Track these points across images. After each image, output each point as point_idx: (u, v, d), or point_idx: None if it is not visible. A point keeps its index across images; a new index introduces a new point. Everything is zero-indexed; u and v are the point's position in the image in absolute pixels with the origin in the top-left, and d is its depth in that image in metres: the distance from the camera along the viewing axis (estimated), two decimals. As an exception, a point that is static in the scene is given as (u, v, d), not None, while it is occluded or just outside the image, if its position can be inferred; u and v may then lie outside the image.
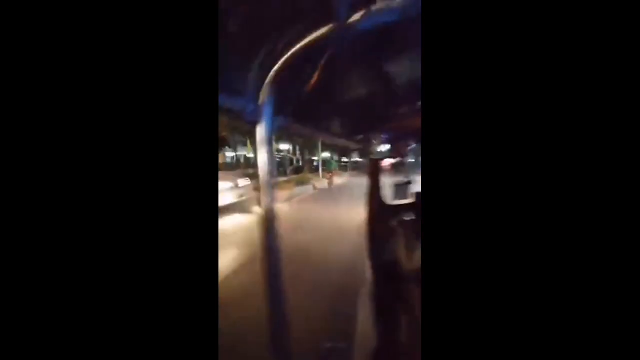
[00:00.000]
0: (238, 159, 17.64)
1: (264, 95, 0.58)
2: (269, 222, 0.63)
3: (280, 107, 0.61)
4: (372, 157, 1.19)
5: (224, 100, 0.56)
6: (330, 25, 0.47)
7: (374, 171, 1.15)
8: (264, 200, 0.64)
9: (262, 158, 0.63)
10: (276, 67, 0.55)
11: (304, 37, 0.50)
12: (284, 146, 19.44)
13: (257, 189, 0.66)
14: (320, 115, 0.96)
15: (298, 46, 0.52)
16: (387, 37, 0.52)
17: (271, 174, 0.64)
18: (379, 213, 1.12)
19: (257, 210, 0.71)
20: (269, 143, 0.62)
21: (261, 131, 0.60)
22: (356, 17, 0.45)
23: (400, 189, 1.55)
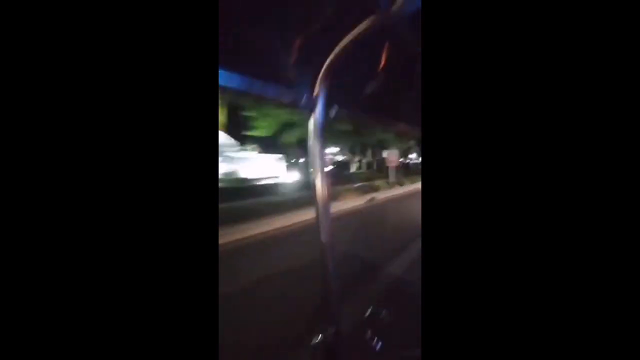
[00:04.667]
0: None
1: (318, 87, 0.60)
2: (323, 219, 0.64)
3: (333, 98, 0.63)
4: None
5: (275, 92, 0.58)
6: (374, 16, 0.49)
7: None
8: (319, 189, 0.64)
9: (316, 148, 0.63)
10: (328, 60, 0.57)
11: (350, 29, 0.52)
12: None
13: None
14: (377, 106, 0.95)
15: (347, 39, 0.54)
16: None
17: (324, 163, 0.65)
18: None
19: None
20: (322, 133, 0.63)
21: (314, 121, 0.61)
22: (398, 4, 0.47)
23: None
